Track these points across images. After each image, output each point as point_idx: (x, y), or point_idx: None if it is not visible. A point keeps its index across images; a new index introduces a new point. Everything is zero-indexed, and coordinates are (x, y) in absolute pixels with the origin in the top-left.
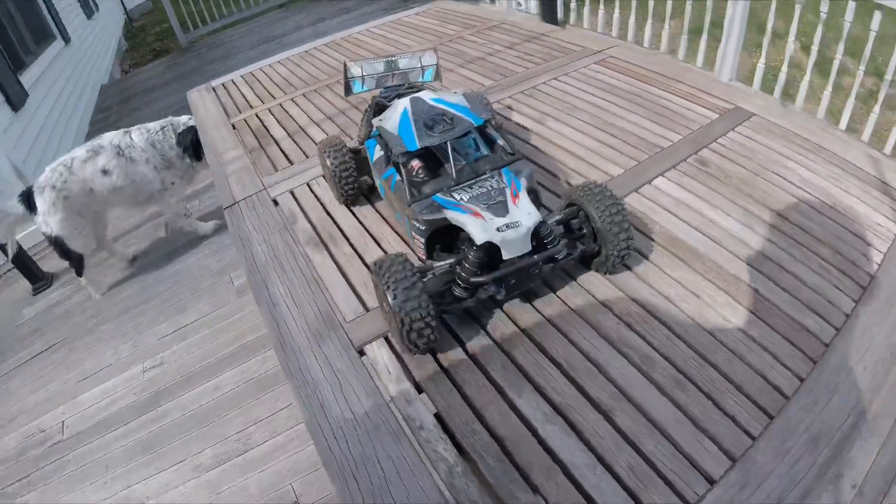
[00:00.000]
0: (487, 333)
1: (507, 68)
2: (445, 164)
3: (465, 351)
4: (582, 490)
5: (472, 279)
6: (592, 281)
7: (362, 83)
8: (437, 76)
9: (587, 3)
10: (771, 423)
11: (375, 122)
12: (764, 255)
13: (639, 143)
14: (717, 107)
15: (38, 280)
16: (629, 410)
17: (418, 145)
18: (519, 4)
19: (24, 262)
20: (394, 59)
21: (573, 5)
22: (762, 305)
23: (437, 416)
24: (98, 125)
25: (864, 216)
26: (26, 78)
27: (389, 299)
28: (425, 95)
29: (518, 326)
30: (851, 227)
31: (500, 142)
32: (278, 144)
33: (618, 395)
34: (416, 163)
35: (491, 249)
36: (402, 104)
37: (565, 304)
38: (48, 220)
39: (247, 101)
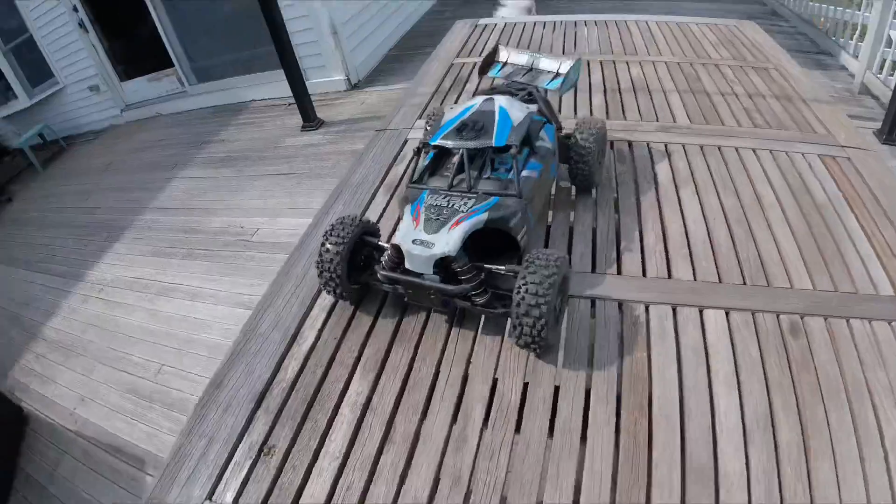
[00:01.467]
0: (398, 320)
1: (719, 115)
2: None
3: (373, 321)
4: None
5: (378, 269)
6: (510, 345)
7: (501, 68)
8: (563, 88)
9: None
10: None
11: (446, 107)
12: (729, 470)
13: (751, 262)
14: None
15: (310, 121)
16: (400, 446)
17: (434, 142)
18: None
19: (304, 103)
20: (538, 56)
21: None
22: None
23: (313, 345)
24: (433, 16)
25: None
26: None
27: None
28: (499, 100)
29: (420, 331)
30: None
31: (525, 173)
32: (458, 97)
33: (411, 432)
34: (456, 158)
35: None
36: (475, 101)
37: (472, 342)
38: None
39: (484, 48)
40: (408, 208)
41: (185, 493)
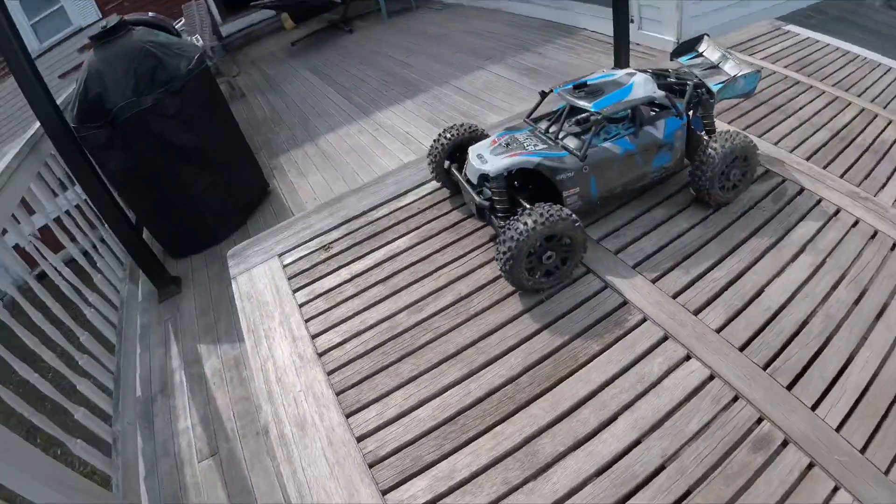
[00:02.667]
0: (462, 218)
1: None
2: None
3: (449, 210)
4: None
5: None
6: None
7: (693, 57)
8: (723, 92)
9: None
10: None
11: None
12: (558, 482)
13: (794, 359)
14: None
15: (619, 66)
16: (385, 290)
17: (557, 91)
18: None
19: (619, 47)
20: (728, 57)
21: None
22: None
23: (403, 206)
24: (802, 14)
25: None
26: None
27: None
28: (638, 77)
29: (468, 233)
30: None
31: (607, 145)
32: None
33: (399, 286)
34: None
35: None
36: (619, 71)
37: (489, 259)
38: None
39: (755, 55)
40: (500, 132)
41: (275, 245)
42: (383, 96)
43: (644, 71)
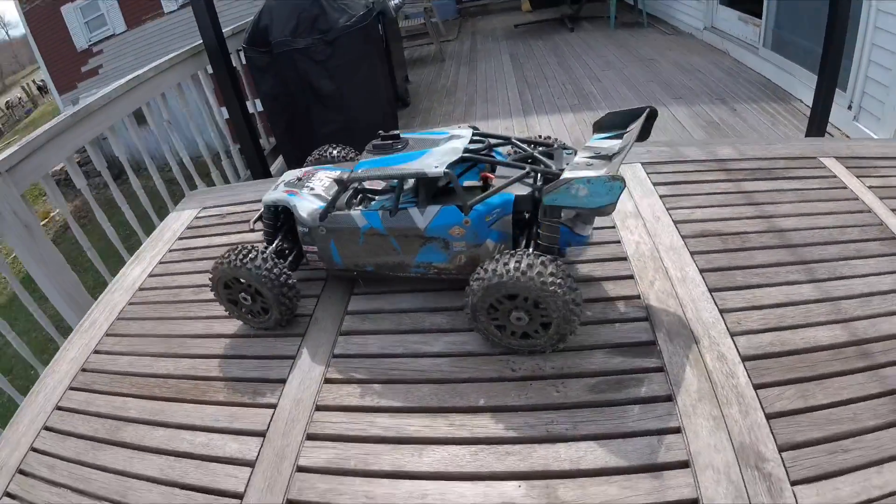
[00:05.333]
0: None
1: None
2: None
3: None
4: None
5: None
6: None
7: (607, 138)
8: (553, 196)
9: None
10: None
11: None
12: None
13: None
14: None
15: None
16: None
17: (403, 134)
18: None
19: (814, 124)
20: (626, 148)
21: None
22: None
23: None
24: None
25: None
26: None
27: None
28: (456, 143)
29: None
30: None
31: (354, 213)
32: None
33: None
34: None
35: None
36: (458, 131)
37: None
38: None
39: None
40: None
41: (216, 199)
42: (552, 103)
43: (499, 139)
